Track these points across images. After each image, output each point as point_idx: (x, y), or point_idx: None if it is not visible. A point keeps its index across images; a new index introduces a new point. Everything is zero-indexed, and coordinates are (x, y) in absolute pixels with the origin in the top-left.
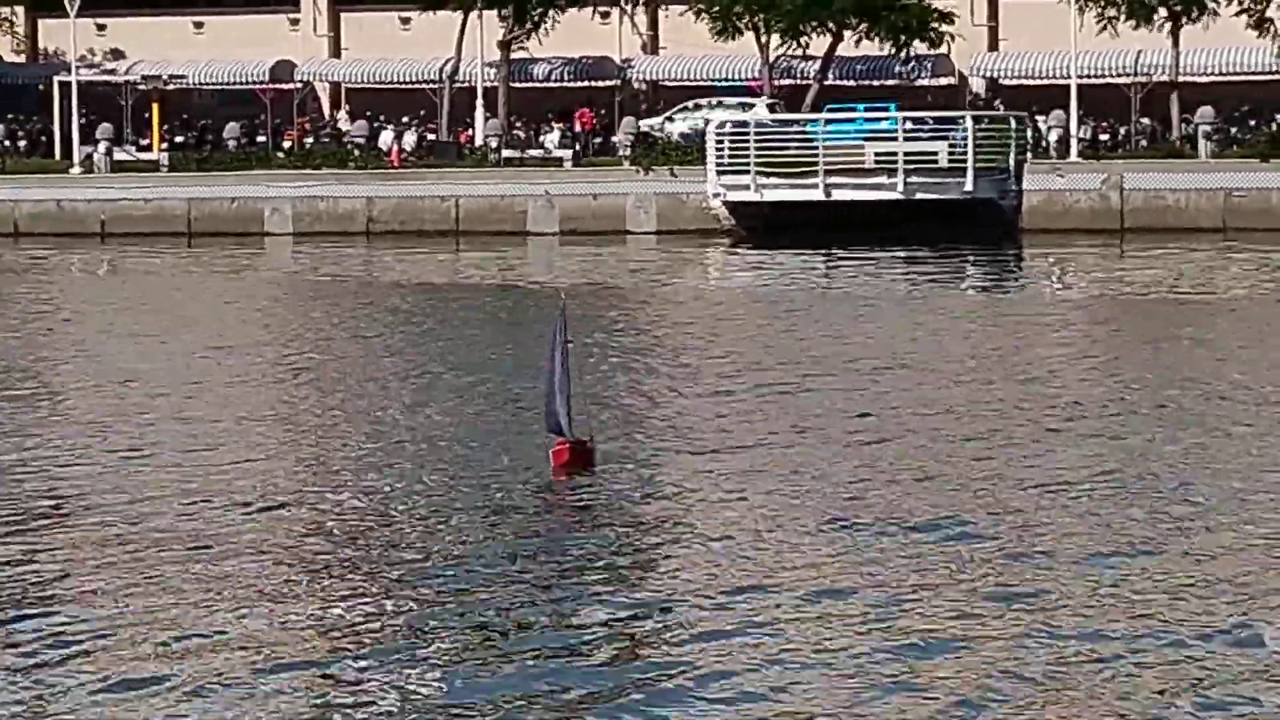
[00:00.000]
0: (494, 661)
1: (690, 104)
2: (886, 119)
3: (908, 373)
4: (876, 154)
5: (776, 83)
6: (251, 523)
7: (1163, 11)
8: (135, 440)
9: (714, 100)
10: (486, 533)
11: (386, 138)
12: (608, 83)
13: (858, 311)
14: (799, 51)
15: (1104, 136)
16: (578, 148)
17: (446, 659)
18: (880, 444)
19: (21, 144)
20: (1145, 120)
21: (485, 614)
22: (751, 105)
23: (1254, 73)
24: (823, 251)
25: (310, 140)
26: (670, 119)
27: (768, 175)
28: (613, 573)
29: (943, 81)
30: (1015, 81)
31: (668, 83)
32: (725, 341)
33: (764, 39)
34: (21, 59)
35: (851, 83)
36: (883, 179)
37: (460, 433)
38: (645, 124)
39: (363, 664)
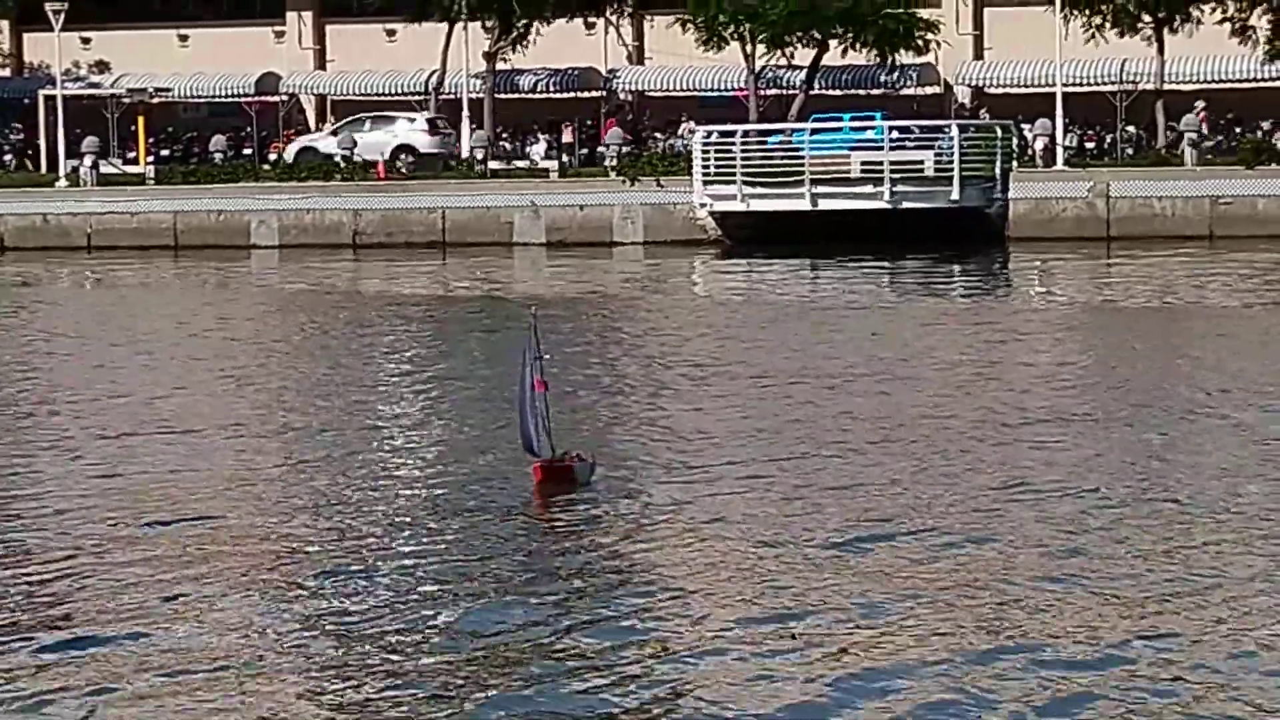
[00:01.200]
0: (467, 685)
1: (351, 119)
2: (872, 128)
3: (893, 382)
4: (863, 163)
5: (763, 92)
6: (220, 533)
7: (1147, 19)
8: (108, 458)
9: (375, 114)
10: (455, 557)
11: None
12: (593, 93)
13: (843, 321)
14: (785, 61)
15: (1090, 144)
16: (564, 159)
17: (420, 681)
18: (864, 454)
19: (7, 158)
20: (1131, 128)
21: (450, 638)
22: (413, 120)
23: (1238, 80)
24: (809, 261)
25: None
26: (335, 132)
27: (754, 185)
28: (570, 594)
29: (928, 90)
30: (1000, 90)
31: (653, 93)
32: (714, 352)
33: (750, 49)
34: (6, 73)
35: (837, 92)
36: (869, 188)
37: (443, 450)
38: (306, 140)
39: (337, 684)
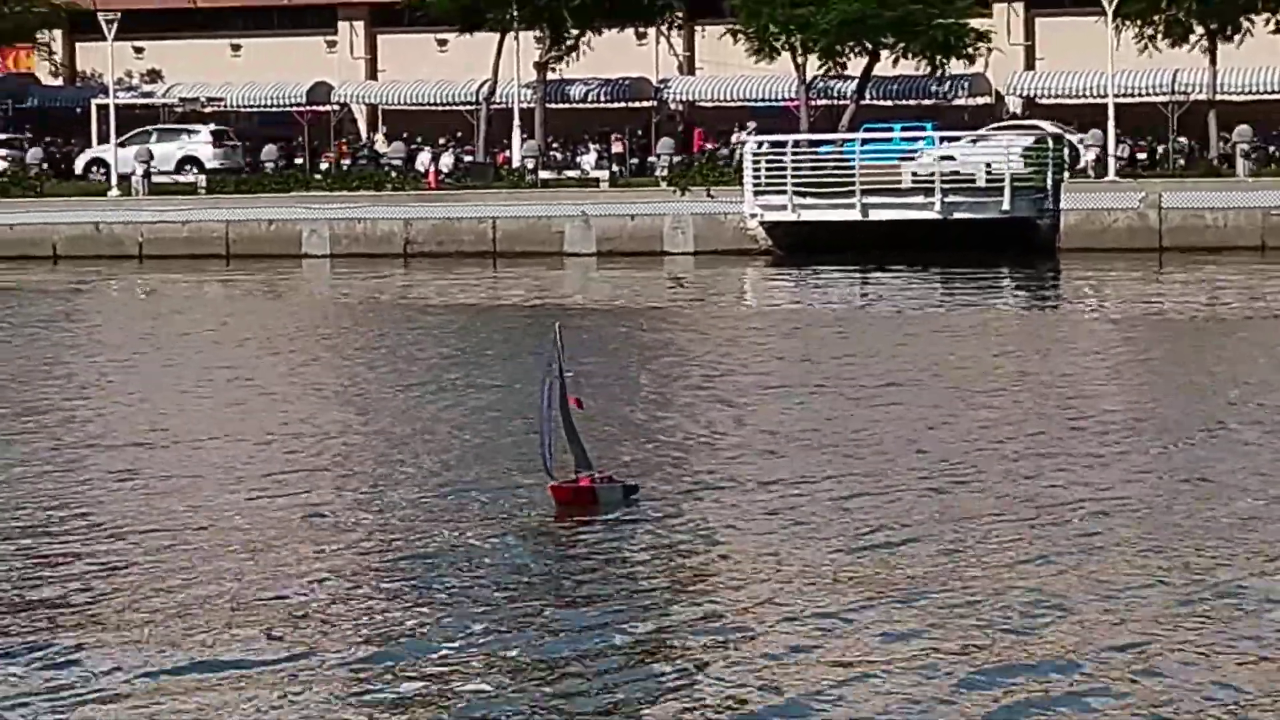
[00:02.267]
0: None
1: (140, 130)
2: (923, 138)
3: (941, 393)
4: (913, 174)
5: (814, 102)
6: (249, 544)
7: (1199, 30)
8: (122, 474)
9: (163, 126)
10: (451, 581)
11: (424, 159)
12: (644, 103)
13: (894, 332)
14: (836, 71)
15: (1141, 155)
16: (614, 168)
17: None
18: (908, 471)
19: (61, 167)
20: (1183, 139)
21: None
22: (197, 131)
23: None
24: (860, 271)
25: (348, 162)
26: (124, 144)
27: (805, 195)
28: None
29: (979, 101)
30: (1052, 100)
31: (704, 103)
32: (760, 365)
33: (801, 59)
34: (60, 82)
35: (888, 102)
36: (920, 198)
37: (469, 467)
38: (96, 151)
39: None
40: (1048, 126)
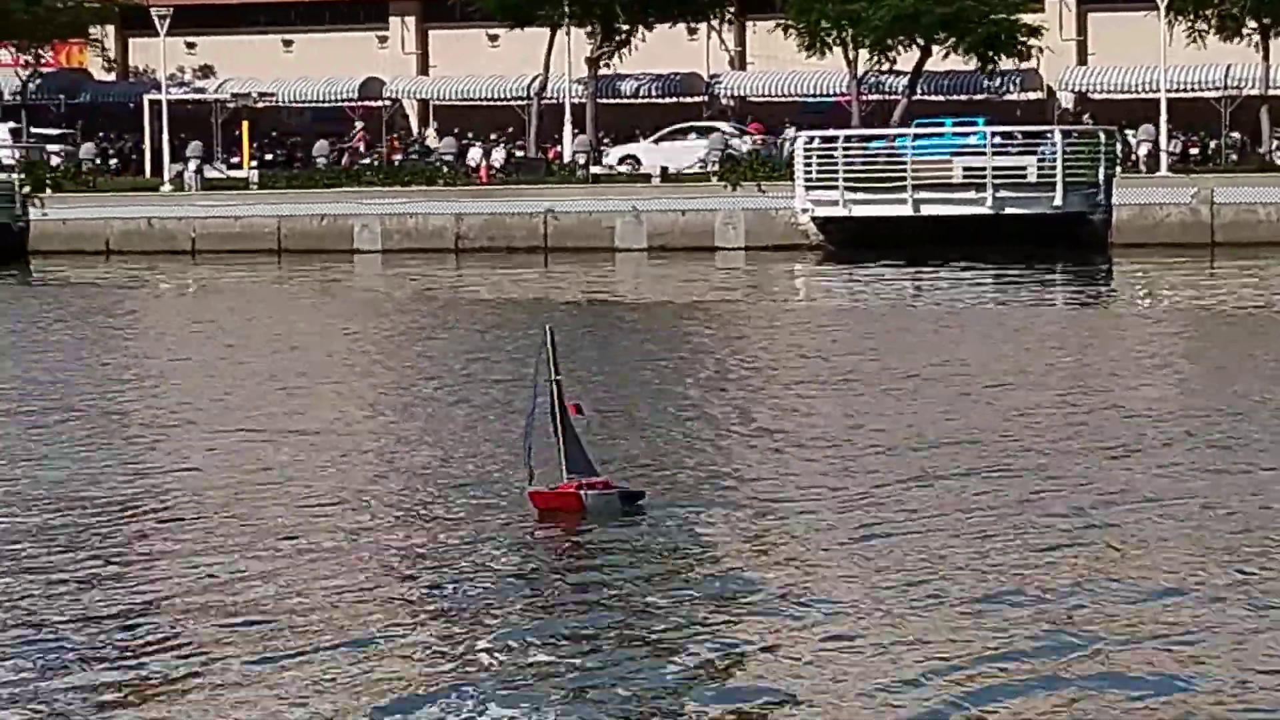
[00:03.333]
0: None
1: None
2: (974, 133)
3: (991, 391)
4: (965, 168)
5: (865, 97)
6: (263, 540)
7: (1252, 24)
8: (128, 478)
9: None
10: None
11: (475, 154)
12: (695, 99)
13: (944, 328)
14: (887, 66)
15: (1193, 150)
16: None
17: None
18: (942, 474)
19: (113, 162)
20: (1235, 134)
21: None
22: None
23: None
24: (911, 267)
25: (399, 157)
26: None
27: (856, 190)
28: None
29: (1031, 96)
30: (1104, 95)
31: (755, 98)
32: (806, 362)
33: (852, 54)
34: (112, 77)
35: (940, 98)
36: (971, 193)
37: (471, 464)
38: None
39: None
40: (725, 127)
